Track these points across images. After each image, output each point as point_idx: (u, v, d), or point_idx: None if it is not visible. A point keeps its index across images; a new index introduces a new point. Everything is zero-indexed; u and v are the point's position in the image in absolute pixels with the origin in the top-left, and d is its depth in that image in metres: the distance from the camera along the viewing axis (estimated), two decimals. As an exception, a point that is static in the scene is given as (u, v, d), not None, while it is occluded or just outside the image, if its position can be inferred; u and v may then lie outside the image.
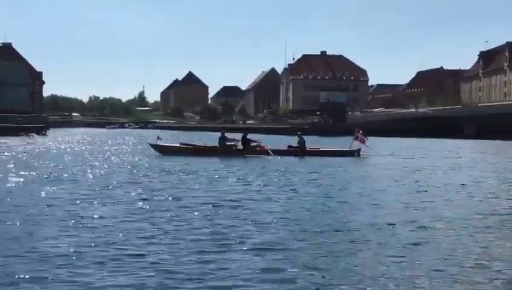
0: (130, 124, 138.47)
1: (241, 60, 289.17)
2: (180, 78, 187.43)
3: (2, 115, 60.69)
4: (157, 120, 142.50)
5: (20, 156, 24.55)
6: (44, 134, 59.33)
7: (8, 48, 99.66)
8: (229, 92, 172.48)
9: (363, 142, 25.53)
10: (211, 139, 31.16)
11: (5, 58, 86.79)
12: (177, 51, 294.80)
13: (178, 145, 26.42)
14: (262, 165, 20.02)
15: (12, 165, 18.83)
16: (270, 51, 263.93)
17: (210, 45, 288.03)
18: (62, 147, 34.75)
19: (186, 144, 26.78)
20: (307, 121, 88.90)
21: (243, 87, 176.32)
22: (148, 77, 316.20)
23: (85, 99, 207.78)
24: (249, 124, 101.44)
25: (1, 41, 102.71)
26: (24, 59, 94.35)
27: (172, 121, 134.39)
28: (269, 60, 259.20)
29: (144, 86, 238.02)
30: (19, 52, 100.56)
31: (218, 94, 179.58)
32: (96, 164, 20.51)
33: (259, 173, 17.27)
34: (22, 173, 16.05)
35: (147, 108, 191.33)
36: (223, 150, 24.91)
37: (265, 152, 24.98)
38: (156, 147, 25.63)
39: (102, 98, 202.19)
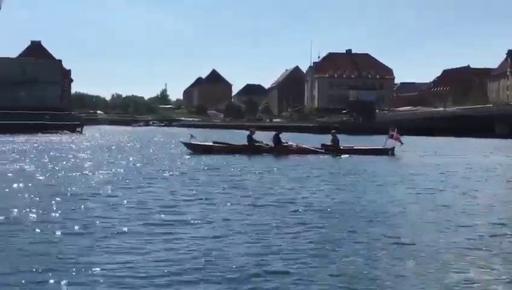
0: (155, 121, 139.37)
1: (264, 58, 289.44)
2: (203, 76, 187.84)
3: (37, 113, 61.17)
4: (182, 118, 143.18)
5: (82, 154, 24.68)
6: (80, 132, 59.51)
7: (37, 46, 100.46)
8: (251, 90, 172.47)
9: (398, 140, 25.29)
10: (240, 137, 30.97)
11: (34, 56, 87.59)
12: (198, 49, 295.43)
13: (211, 143, 25.86)
14: (331, 164, 19.93)
15: (86, 162, 18.95)
16: (293, 49, 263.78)
17: (231, 43, 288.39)
18: (111, 144, 34.96)
19: (219, 143, 26.17)
20: (334, 120, 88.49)
21: (266, 86, 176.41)
22: (169, 75, 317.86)
23: (107, 97, 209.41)
24: (275, 122, 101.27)
25: (30, 39, 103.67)
26: (53, 57, 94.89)
27: (196, 119, 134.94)
28: (292, 58, 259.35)
29: (166, 84, 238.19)
30: (48, 50, 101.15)
31: (241, 92, 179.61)
32: (165, 162, 20.46)
33: (332, 172, 17.11)
34: (102, 171, 16.07)
35: (170, 106, 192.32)
36: (253, 149, 24.63)
37: (307, 151, 24.64)
38: (189, 146, 25.30)
39: (124, 96, 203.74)
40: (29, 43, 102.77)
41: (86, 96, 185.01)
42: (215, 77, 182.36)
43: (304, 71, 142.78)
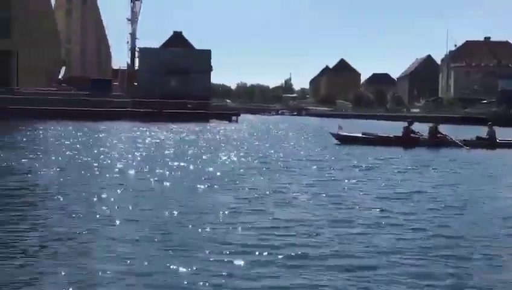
0: (284, 111, 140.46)
1: (391, 47, 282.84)
2: (330, 66, 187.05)
3: (182, 102, 63.07)
4: (311, 107, 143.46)
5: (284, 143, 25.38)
6: (236, 121, 60.78)
7: (178, 36, 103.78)
8: (378, 80, 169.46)
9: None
10: (371, 127, 29.71)
11: (176, 46, 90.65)
12: (324, 38, 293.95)
13: (361, 135, 25.28)
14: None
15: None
16: (423, 38, 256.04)
17: (359, 32, 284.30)
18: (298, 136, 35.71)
19: (368, 134, 25.41)
20: (479, 110, 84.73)
21: (393, 75, 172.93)
22: (293, 64, 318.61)
23: (232, 86, 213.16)
24: (413, 112, 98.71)
25: (172, 30, 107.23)
26: (194, 47, 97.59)
27: (326, 109, 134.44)
28: (422, 47, 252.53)
29: (290, 73, 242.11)
30: (189, 40, 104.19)
31: (367, 82, 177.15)
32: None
33: None
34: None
35: (295, 95, 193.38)
36: (408, 141, 24.03)
37: (466, 144, 23.52)
38: (338, 137, 25.01)
39: (249, 85, 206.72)
40: (171, 33, 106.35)
41: (213, 85, 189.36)
42: (343, 66, 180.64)
43: (436, 60, 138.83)
